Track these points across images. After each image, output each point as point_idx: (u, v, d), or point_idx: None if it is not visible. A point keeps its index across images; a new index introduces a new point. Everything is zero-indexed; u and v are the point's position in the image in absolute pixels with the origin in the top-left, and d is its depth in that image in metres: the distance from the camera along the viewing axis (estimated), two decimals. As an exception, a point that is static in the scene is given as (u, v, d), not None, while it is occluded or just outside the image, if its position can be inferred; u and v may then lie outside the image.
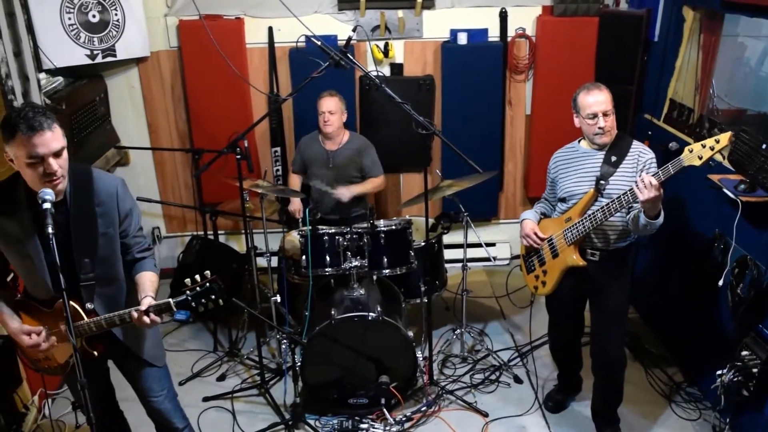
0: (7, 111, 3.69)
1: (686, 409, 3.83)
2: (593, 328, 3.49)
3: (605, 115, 3.14)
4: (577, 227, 3.22)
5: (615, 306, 3.38)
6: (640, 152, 3.20)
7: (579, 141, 3.39)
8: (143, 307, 2.49)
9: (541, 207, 3.62)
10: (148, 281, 2.66)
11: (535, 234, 3.43)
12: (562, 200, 3.37)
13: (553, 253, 3.38)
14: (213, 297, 2.51)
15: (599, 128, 3.15)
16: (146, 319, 2.48)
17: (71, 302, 2.51)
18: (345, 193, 4.43)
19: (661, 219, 3.00)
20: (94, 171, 2.62)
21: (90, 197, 2.54)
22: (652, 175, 2.84)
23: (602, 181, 3.18)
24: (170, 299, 2.50)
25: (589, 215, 3.16)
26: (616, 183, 3.16)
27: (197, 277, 2.53)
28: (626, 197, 3.00)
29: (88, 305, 2.59)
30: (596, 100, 3.14)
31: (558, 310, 3.63)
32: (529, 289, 3.63)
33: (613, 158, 3.19)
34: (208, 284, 2.51)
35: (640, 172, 3.09)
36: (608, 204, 3.08)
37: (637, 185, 2.88)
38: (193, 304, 2.50)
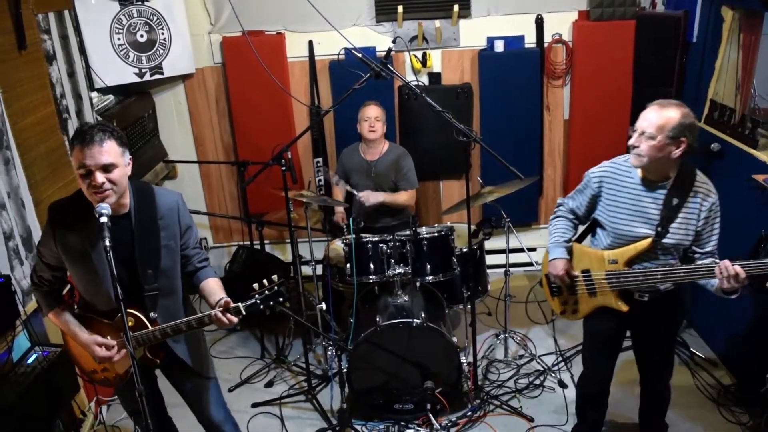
0: (62, 128, 3.87)
1: (735, 413, 3.77)
2: (641, 362, 3.30)
3: (642, 134, 2.78)
4: (626, 277, 2.93)
5: (666, 344, 3.19)
6: (704, 194, 2.83)
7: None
8: (222, 305, 2.60)
9: (563, 232, 3.21)
10: (216, 285, 2.78)
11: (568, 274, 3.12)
12: (601, 226, 3.06)
13: (590, 290, 3.09)
14: (281, 300, 2.60)
15: (631, 145, 2.83)
16: (224, 318, 2.58)
17: (136, 311, 2.64)
18: (369, 197, 4.49)
19: (737, 294, 2.72)
20: (154, 188, 2.73)
21: (153, 212, 2.64)
22: (740, 266, 2.60)
23: (661, 229, 2.84)
24: (239, 303, 2.59)
25: (646, 273, 2.88)
26: (676, 231, 2.84)
27: (264, 281, 2.62)
28: (696, 273, 2.77)
29: (152, 314, 2.68)
30: (643, 116, 2.80)
31: (595, 333, 3.29)
32: (555, 310, 3.36)
33: (675, 200, 2.82)
34: (276, 287, 2.60)
35: (704, 221, 2.83)
36: (674, 271, 2.83)
37: (720, 270, 2.64)
38: (261, 307, 2.59)
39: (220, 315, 2.58)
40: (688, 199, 2.82)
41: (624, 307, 3.00)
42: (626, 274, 2.93)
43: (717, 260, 2.79)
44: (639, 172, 2.90)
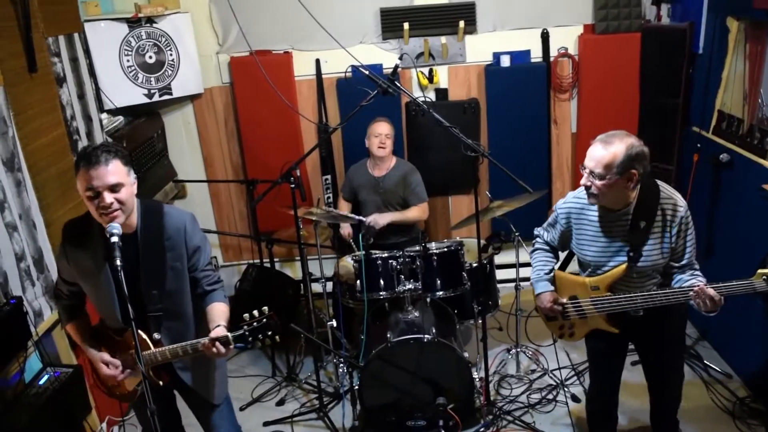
0: (72, 150, 3.91)
1: (752, 425, 3.74)
2: (649, 369, 3.27)
3: (591, 174, 2.74)
4: (610, 302, 2.94)
5: (670, 354, 3.15)
6: (671, 210, 2.80)
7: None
8: (212, 336, 2.54)
9: (544, 265, 3.25)
10: (218, 311, 2.72)
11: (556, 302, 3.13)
12: (579, 259, 3.08)
13: (581, 315, 3.09)
14: (270, 333, 2.55)
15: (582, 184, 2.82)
16: (213, 349, 2.53)
17: (139, 331, 2.63)
18: (378, 220, 4.45)
19: (715, 313, 2.73)
20: (165, 207, 2.72)
21: (159, 232, 2.63)
22: (715, 289, 2.64)
23: (633, 254, 2.83)
24: (228, 333, 2.54)
25: (627, 297, 2.89)
26: (649, 254, 2.83)
27: (255, 312, 2.57)
28: (673, 295, 2.78)
29: (155, 335, 2.67)
30: (588, 154, 2.77)
31: (596, 350, 3.28)
32: (553, 334, 3.37)
33: (642, 223, 2.80)
34: (264, 320, 2.55)
35: (676, 236, 2.80)
36: (651, 295, 2.84)
37: (695, 293, 2.67)
38: (250, 339, 2.54)
39: (209, 344, 2.54)
40: (656, 219, 2.80)
41: (615, 330, 3.01)
42: (609, 299, 2.94)
43: (697, 271, 2.85)
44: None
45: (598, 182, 2.72)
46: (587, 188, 2.78)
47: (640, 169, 2.70)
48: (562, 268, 3.31)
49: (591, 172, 2.73)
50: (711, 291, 2.65)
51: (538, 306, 3.23)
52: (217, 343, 2.53)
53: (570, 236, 3.06)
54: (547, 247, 3.29)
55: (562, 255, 3.34)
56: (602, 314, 3.00)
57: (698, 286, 2.70)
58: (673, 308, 2.91)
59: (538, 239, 3.33)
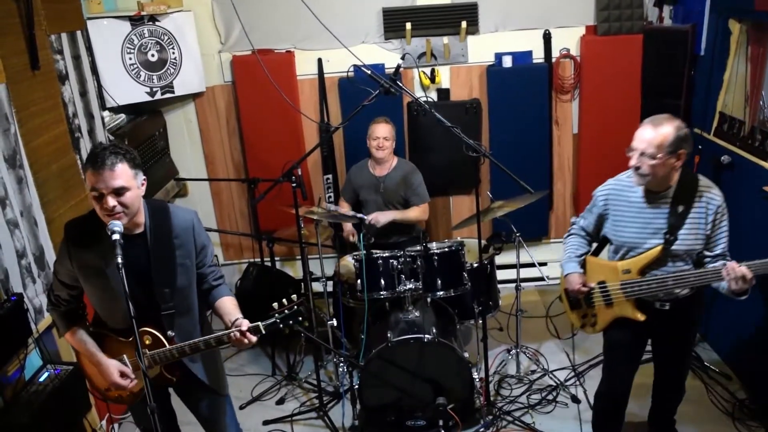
0: (74, 147, 3.91)
1: (751, 427, 3.74)
2: (660, 364, 3.34)
3: (642, 155, 2.83)
4: (640, 286, 2.97)
5: (684, 350, 3.23)
6: (708, 198, 2.89)
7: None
8: (244, 327, 2.58)
9: (577, 248, 3.28)
10: (231, 304, 2.77)
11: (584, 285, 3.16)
12: (611, 243, 3.13)
13: (607, 301, 3.13)
14: (300, 319, 2.60)
15: (632, 166, 2.89)
16: (245, 339, 2.58)
17: (153, 330, 2.65)
18: (379, 218, 4.47)
19: (747, 295, 2.76)
20: (170, 206, 2.73)
21: (168, 230, 2.65)
22: (746, 267, 2.65)
23: (669, 237, 2.89)
24: (259, 323, 2.59)
25: (658, 280, 2.93)
26: (685, 238, 2.89)
27: (284, 300, 2.62)
28: (704, 276, 2.81)
29: (169, 333, 2.68)
30: (637, 135, 2.87)
31: (615, 344, 3.28)
32: (574, 325, 3.40)
33: (681, 208, 2.88)
34: (296, 307, 2.60)
35: (711, 224, 2.88)
36: (683, 276, 2.88)
37: (727, 272, 2.69)
38: (281, 326, 2.59)
39: (239, 335, 2.58)
40: (693, 204, 2.88)
41: (641, 317, 3.03)
42: (640, 282, 2.97)
43: (729, 261, 2.83)
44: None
45: (649, 162, 2.80)
46: (637, 169, 2.85)
47: (687, 149, 2.81)
48: (593, 256, 3.32)
49: (642, 153, 2.81)
50: (743, 268, 2.67)
51: (565, 288, 3.26)
52: (248, 333, 2.57)
53: (605, 220, 3.12)
54: (582, 233, 3.32)
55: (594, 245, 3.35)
56: (630, 299, 3.02)
57: (729, 264, 2.72)
58: (696, 304, 3.03)
59: (573, 226, 3.38)
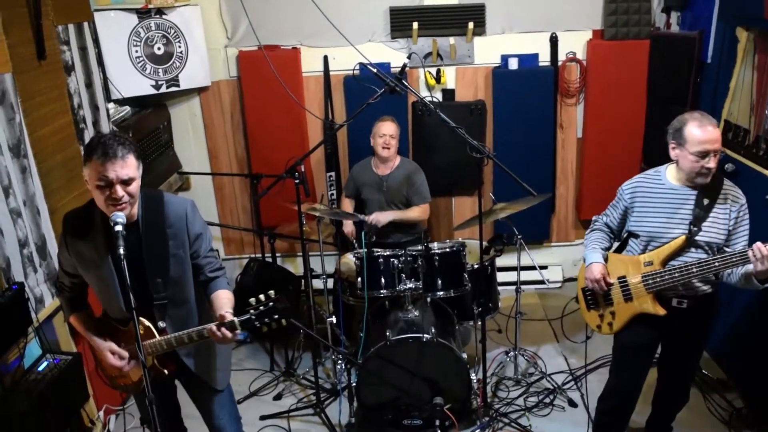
0: (78, 138, 3.92)
1: (747, 436, 3.75)
2: (668, 368, 3.34)
3: (715, 154, 2.82)
4: (662, 277, 2.95)
5: (695, 351, 3.24)
6: (733, 196, 2.94)
7: (665, 170, 3.06)
8: (226, 320, 2.52)
9: (600, 241, 3.27)
10: (224, 298, 2.70)
11: (605, 280, 3.13)
12: (635, 236, 3.09)
13: (626, 296, 3.09)
14: (276, 317, 2.49)
15: (706, 169, 2.84)
16: (219, 333, 2.51)
17: (144, 320, 2.64)
18: (379, 218, 4.47)
19: None
20: (165, 195, 2.72)
21: (161, 220, 2.63)
22: None
23: (694, 227, 2.90)
24: (234, 318, 2.50)
25: (681, 268, 2.90)
26: (709, 229, 2.90)
27: (261, 296, 2.53)
28: (730, 260, 2.76)
29: (160, 324, 2.67)
30: (709, 138, 2.79)
31: (628, 345, 3.23)
32: (590, 326, 3.34)
33: (706, 201, 2.90)
34: (271, 304, 2.50)
35: (734, 221, 2.91)
36: (708, 261, 2.84)
37: (753, 253, 2.65)
38: (256, 323, 2.48)
39: (214, 329, 2.51)
40: (718, 199, 2.92)
41: (661, 311, 3.00)
42: (662, 273, 2.96)
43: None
44: (670, 179, 3.01)
45: (717, 159, 2.84)
46: (708, 170, 2.85)
47: None
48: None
49: (716, 153, 2.83)
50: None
51: (586, 278, 3.20)
52: (222, 329, 2.50)
53: (630, 213, 3.11)
54: (606, 229, 3.32)
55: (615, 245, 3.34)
56: (651, 292, 3.00)
57: (755, 244, 2.70)
58: (712, 303, 3.06)
59: (596, 222, 3.37)
